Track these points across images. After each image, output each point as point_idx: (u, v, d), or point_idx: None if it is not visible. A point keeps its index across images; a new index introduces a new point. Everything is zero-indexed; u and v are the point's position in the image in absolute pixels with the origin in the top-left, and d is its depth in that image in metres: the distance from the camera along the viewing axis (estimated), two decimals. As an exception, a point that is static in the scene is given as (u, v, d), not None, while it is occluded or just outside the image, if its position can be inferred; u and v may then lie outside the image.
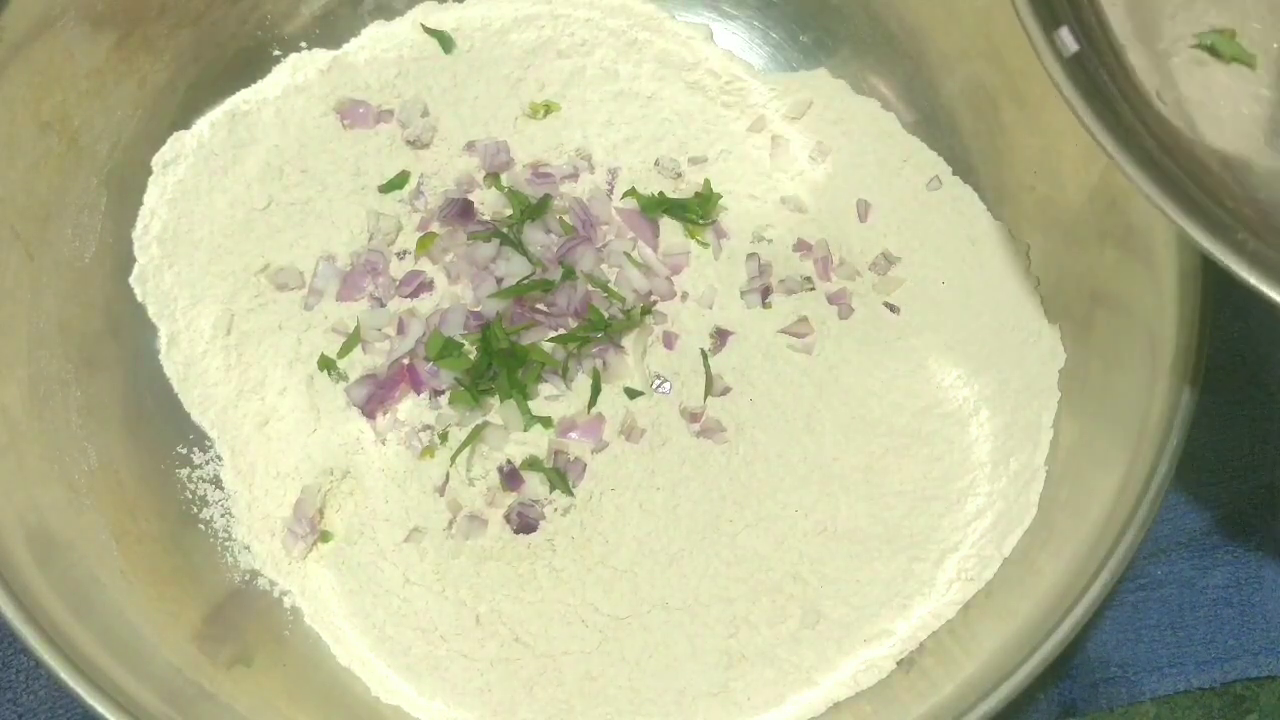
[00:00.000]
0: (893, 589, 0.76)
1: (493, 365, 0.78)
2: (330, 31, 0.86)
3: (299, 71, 0.84)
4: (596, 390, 0.79)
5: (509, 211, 0.82)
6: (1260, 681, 0.78)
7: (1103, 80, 0.56)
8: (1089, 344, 0.77)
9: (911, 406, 0.79)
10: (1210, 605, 0.79)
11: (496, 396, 0.78)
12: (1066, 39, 0.56)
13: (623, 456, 0.78)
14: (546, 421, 0.78)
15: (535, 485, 0.78)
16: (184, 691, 0.70)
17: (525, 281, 0.79)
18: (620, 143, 0.85)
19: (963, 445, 0.78)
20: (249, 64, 0.84)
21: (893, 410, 0.79)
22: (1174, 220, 0.53)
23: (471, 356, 0.79)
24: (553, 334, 0.79)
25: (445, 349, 0.78)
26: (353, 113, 0.84)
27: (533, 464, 0.77)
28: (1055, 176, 0.79)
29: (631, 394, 0.79)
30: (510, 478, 0.77)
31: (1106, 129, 0.54)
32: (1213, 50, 0.58)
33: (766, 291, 0.81)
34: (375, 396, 0.79)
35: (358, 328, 0.80)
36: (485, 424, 0.78)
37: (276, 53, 0.85)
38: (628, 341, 0.80)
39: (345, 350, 0.80)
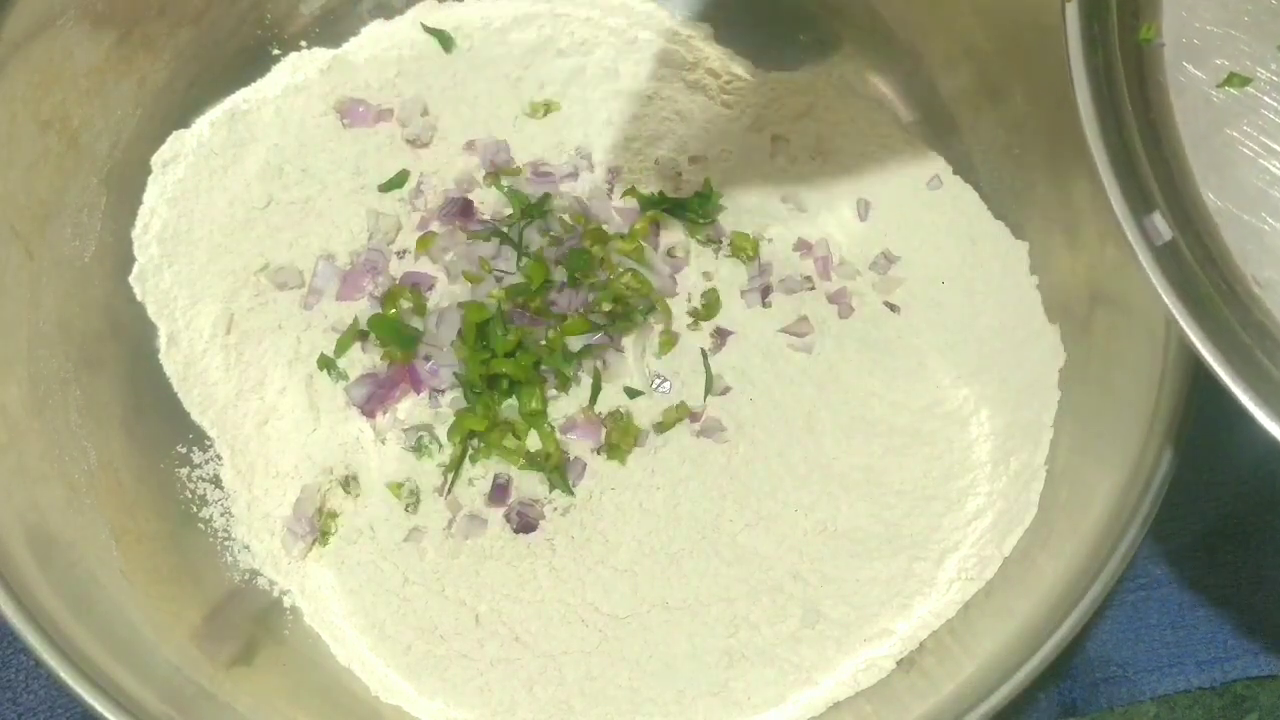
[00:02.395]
0: (893, 588, 0.76)
1: (492, 365, 0.78)
2: (330, 30, 0.86)
3: (299, 70, 0.84)
4: (596, 390, 0.79)
5: (509, 211, 0.82)
6: (1260, 681, 0.78)
7: (1195, 270, 0.53)
8: (1089, 344, 0.77)
9: (911, 406, 0.79)
10: (1210, 605, 0.79)
11: (497, 396, 0.78)
12: (1159, 226, 0.54)
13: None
14: (545, 421, 0.78)
15: (535, 485, 0.78)
16: (183, 691, 0.69)
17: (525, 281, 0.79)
18: (620, 142, 0.85)
19: (963, 445, 0.78)
20: (249, 63, 0.84)
21: (893, 410, 0.79)
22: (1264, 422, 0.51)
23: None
24: (553, 334, 0.79)
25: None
26: (352, 112, 0.84)
27: (533, 463, 0.77)
28: (1055, 176, 0.79)
29: (631, 393, 0.79)
30: (499, 490, 0.77)
31: (1201, 328, 0.52)
32: None
33: (766, 291, 0.81)
34: (375, 396, 0.79)
35: (354, 323, 0.80)
36: (486, 424, 0.78)
37: (276, 52, 0.85)
38: (628, 341, 0.80)
39: (342, 347, 0.80)
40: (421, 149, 0.84)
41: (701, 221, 0.83)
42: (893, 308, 0.82)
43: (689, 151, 0.85)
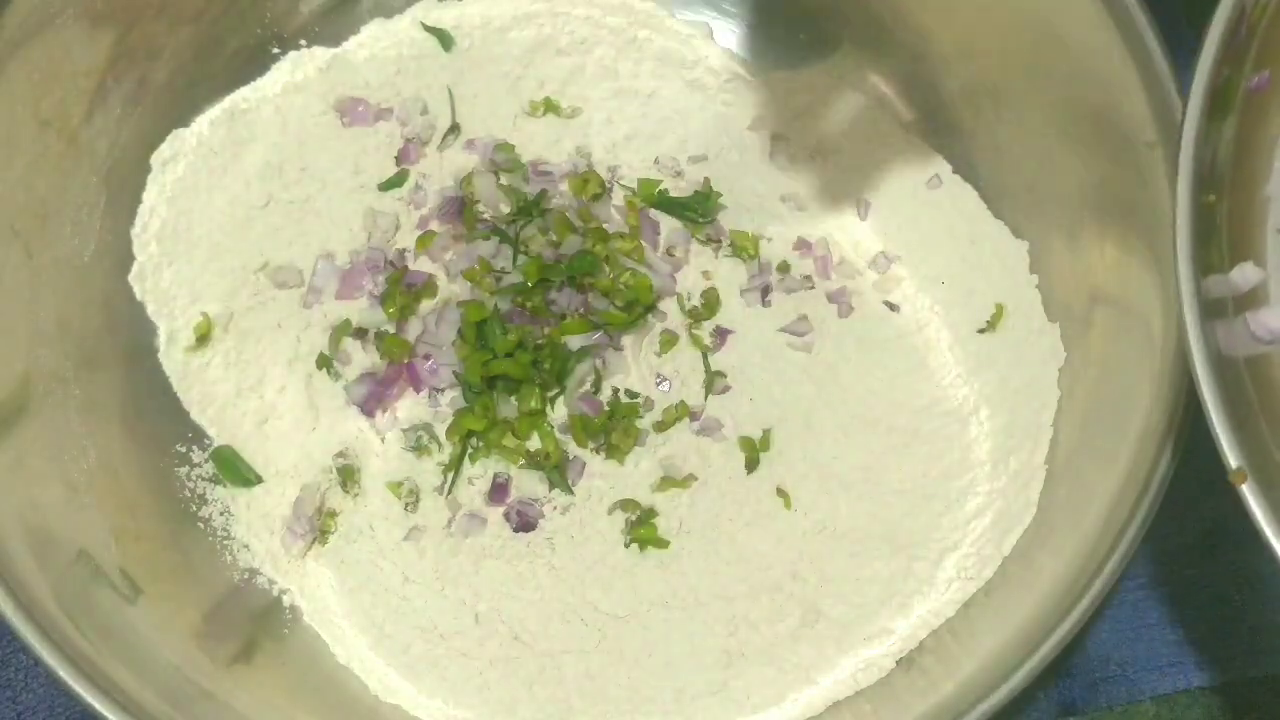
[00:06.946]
0: (892, 588, 0.75)
1: (491, 365, 0.78)
2: (330, 29, 0.86)
3: (298, 69, 0.84)
4: (596, 390, 0.79)
5: (508, 209, 0.82)
6: (1260, 681, 0.78)
7: None
8: (1089, 344, 0.77)
9: (911, 406, 0.79)
10: (1210, 605, 0.79)
11: (496, 396, 0.78)
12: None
13: (622, 455, 0.78)
14: (545, 420, 0.78)
15: (534, 484, 0.78)
16: (183, 690, 0.69)
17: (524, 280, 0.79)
18: (620, 141, 0.85)
19: (962, 444, 0.78)
20: (248, 62, 0.84)
21: (893, 409, 0.79)
22: None
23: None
24: (552, 333, 0.79)
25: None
26: (352, 110, 0.84)
27: (532, 463, 0.77)
28: (1055, 175, 0.79)
29: (631, 393, 0.79)
30: (499, 489, 0.77)
31: None
32: None
33: (766, 290, 0.81)
34: (374, 395, 0.79)
35: (347, 320, 0.80)
36: (485, 424, 0.78)
37: (276, 51, 0.85)
38: (628, 341, 0.80)
39: (335, 342, 0.79)
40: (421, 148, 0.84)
41: (701, 221, 0.83)
42: (893, 307, 0.82)
43: (689, 150, 0.85)
